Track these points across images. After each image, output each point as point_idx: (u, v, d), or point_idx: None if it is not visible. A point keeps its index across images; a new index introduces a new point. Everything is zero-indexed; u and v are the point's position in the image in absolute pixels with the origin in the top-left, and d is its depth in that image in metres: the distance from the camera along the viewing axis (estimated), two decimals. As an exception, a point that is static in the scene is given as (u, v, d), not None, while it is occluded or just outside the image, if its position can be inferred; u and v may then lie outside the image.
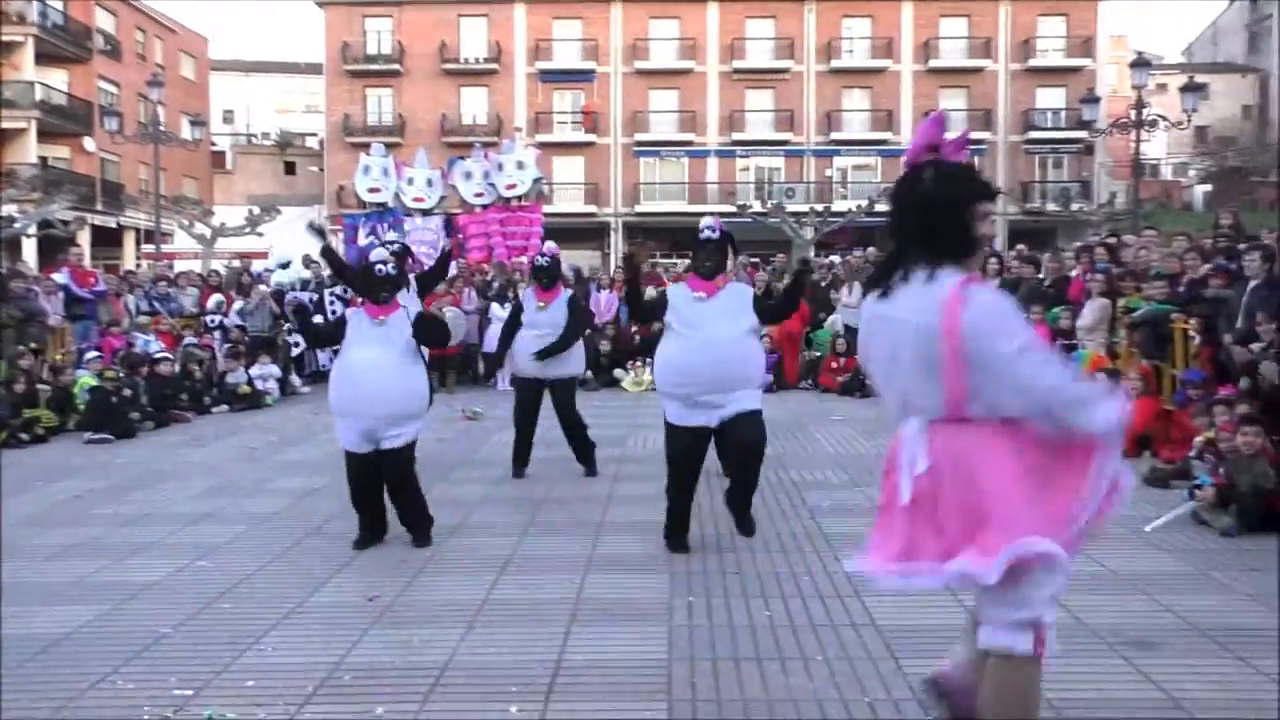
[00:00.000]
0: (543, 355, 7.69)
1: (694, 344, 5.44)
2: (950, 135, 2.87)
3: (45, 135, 35.64)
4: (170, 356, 12.31)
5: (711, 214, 7.45)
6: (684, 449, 5.61)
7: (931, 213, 2.78)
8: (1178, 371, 8.78)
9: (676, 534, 5.71)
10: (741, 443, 5.54)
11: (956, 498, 2.74)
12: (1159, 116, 23.57)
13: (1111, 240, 12.30)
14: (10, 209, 26.60)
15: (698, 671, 3.98)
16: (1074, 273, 11.34)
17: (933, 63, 41.12)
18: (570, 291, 8.26)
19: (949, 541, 2.76)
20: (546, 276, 7.95)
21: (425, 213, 16.47)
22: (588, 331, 9.46)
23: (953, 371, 2.69)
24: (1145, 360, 9.18)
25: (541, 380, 7.92)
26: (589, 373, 13.85)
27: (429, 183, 16.47)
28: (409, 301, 6.59)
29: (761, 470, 5.78)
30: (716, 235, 5.62)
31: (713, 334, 5.41)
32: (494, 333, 14.19)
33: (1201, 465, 6.80)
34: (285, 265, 15.76)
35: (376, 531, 5.98)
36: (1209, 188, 46.38)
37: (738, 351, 5.49)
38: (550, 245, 8.25)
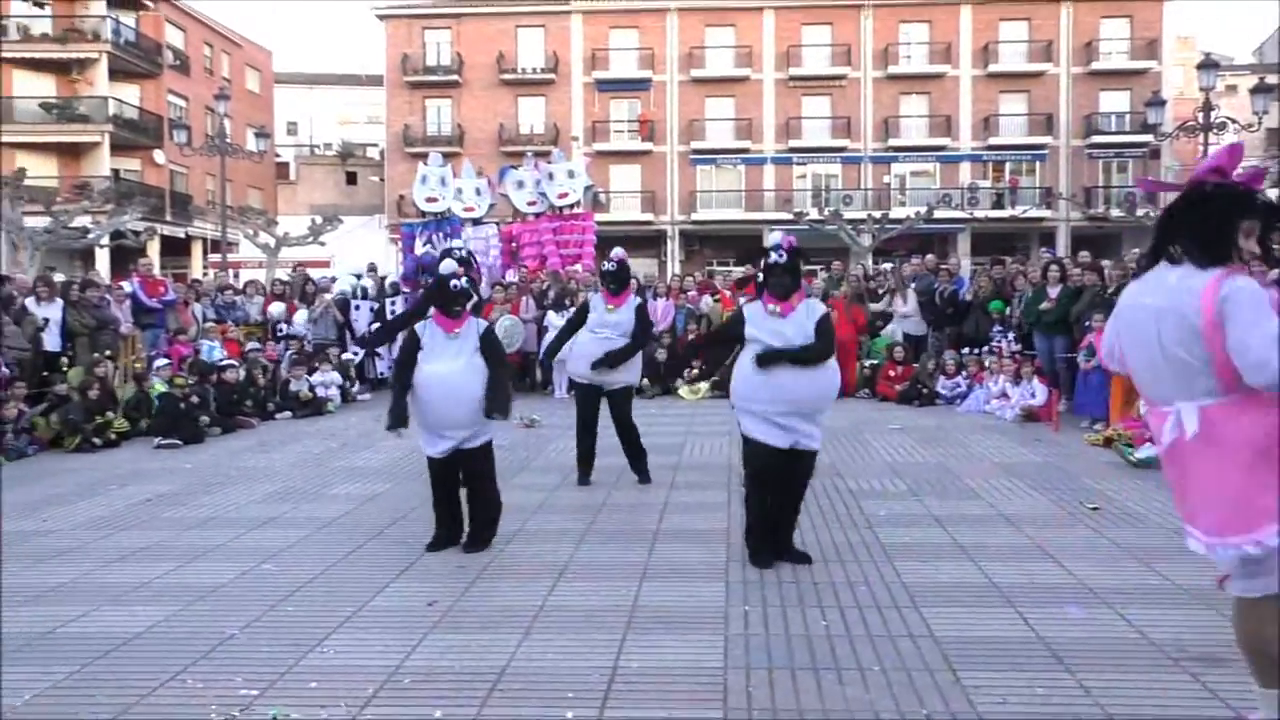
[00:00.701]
0: (611, 362, 7.68)
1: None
2: (1242, 168, 3.24)
3: (118, 148, 36.69)
4: (235, 364, 12.59)
5: (763, 225, 7.42)
6: (766, 464, 5.54)
7: (1203, 220, 3.13)
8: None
9: (760, 549, 5.62)
10: (797, 477, 5.68)
11: (1207, 476, 3.09)
12: (1228, 119, 23.01)
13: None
14: (85, 220, 27.37)
15: (754, 680, 3.97)
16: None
17: (992, 67, 40.61)
18: (640, 299, 8.26)
19: (1188, 512, 3.21)
20: (614, 281, 7.97)
21: (475, 222, 16.65)
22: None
23: (1216, 346, 2.99)
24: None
25: (598, 386, 7.95)
26: (645, 380, 13.89)
27: (477, 191, 16.65)
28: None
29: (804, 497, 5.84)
30: (785, 259, 5.56)
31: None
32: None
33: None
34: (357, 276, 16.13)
35: (453, 534, 6.07)
36: (1281, 191, 45.20)
37: (819, 373, 5.49)
38: (618, 250, 8.28)
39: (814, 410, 5.54)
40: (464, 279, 6.02)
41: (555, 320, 14.08)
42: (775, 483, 5.64)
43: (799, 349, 5.44)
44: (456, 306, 5.93)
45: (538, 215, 16.99)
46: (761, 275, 5.67)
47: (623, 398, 8.01)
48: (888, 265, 18.27)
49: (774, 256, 5.58)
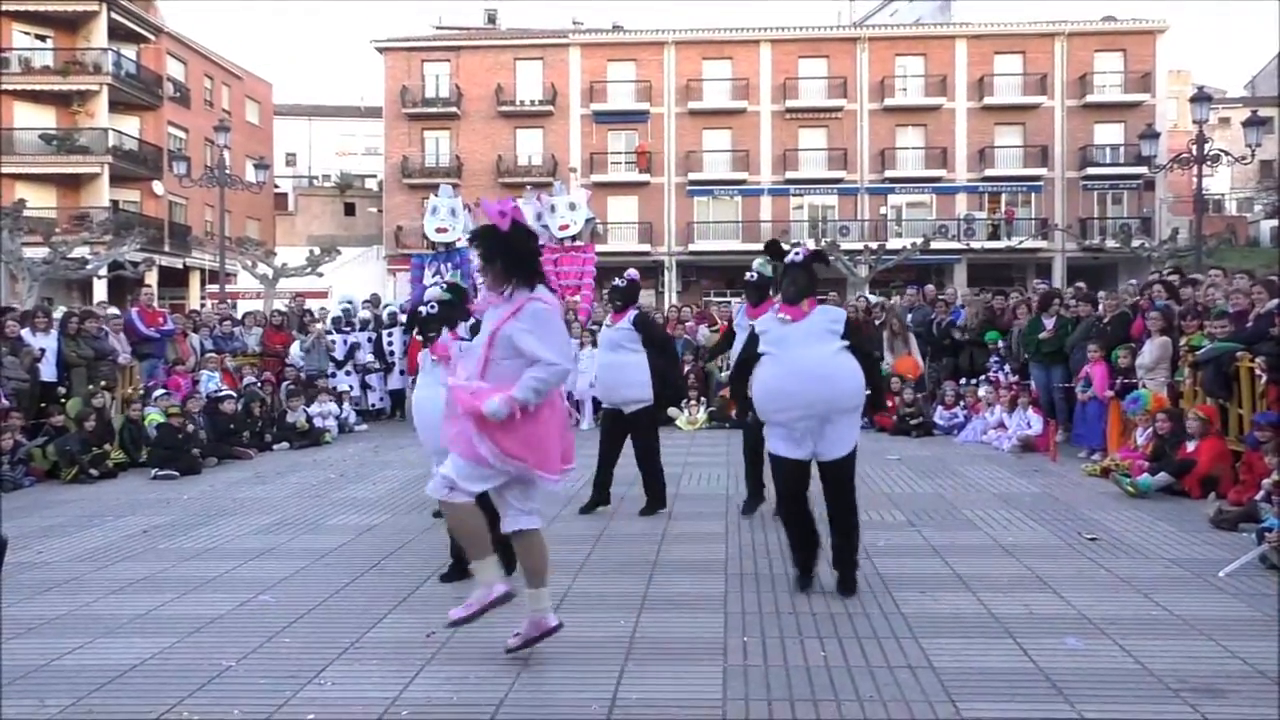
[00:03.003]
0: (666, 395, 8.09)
1: (784, 368, 5.42)
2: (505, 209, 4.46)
3: (117, 179, 36.84)
4: (233, 394, 12.59)
5: (760, 255, 7.47)
6: (787, 476, 5.59)
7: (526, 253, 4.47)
8: (1244, 411, 8.59)
9: (801, 569, 5.68)
10: (835, 499, 5.63)
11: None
12: (1221, 151, 23.21)
13: (1174, 277, 12.09)
14: (83, 251, 27.43)
15: (753, 711, 3.96)
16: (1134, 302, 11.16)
17: (987, 100, 40.95)
18: (637, 310, 8.25)
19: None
20: (620, 297, 8.05)
21: (448, 246, 16.49)
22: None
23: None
24: (1210, 400, 9.00)
25: (617, 409, 7.99)
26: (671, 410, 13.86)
27: (452, 212, 16.57)
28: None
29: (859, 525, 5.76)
30: (800, 258, 5.63)
31: (800, 355, 5.39)
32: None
33: (1269, 507, 6.64)
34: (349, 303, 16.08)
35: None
36: (1275, 223, 45.44)
37: (828, 371, 5.38)
38: (631, 271, 8.37)
39: (833, 412, 5.39)
40: (432, 306, 6.03)
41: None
42: (802, 500, 5.60)
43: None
44: (430, 332, 5.99)
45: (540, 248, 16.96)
46: (781, 278, 5.69)
47: (646, 423, 8.02)
48: (882, 299, 18.18)
49: (792, 255, 5.62)
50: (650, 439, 8.05)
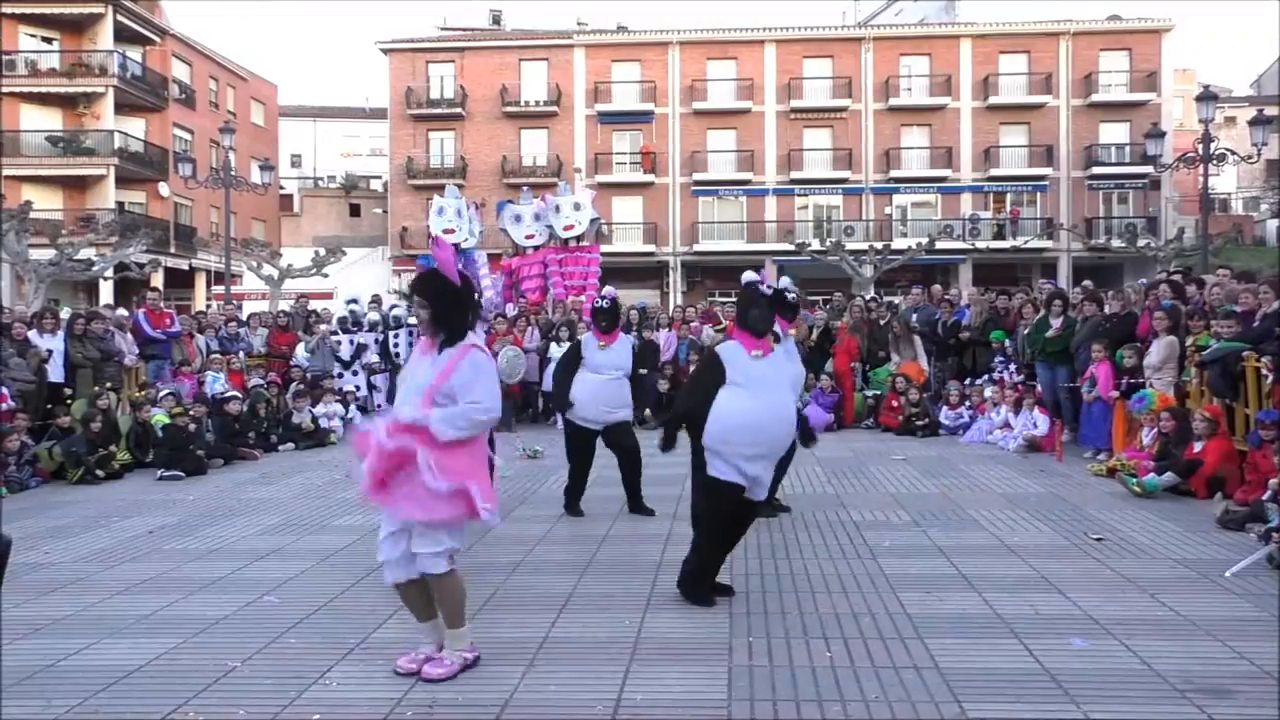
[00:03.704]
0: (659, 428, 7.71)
1: (761, 404, 5.26)
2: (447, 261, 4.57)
3: (123, 181, 36.90)
4: (239, 395, 12.60)
5: (764, 255, 7.45)
6: (731, 500, 5.38)
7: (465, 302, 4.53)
8: (1251, 411, 8.57)
9: (708, 586, 5.54)
10: (739, 531, 5.69)
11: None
12: (1227, 150, 23.15)
13: (1177, 276, 12.06)
14: (89, 253, 27.49)
15: (758, 712, 3.96)
16: (1139, 309, 11.14)
17: (992, 99, 40.87)
18: (632, 337, 8.28)
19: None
20: (606, 319, 7.99)
21: (456, 247, 16.48)
22: (643, 371, 9.34)
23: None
24: (1217, 400, 8.97)
25: (598, 426, 7.96)
26: (647, 411, 13.90)
27: (458, 213, 16.60)
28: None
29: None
30: (770, 292, 5.56)
31: (774, 396, 5.33)
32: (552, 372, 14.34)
33: (1275, 507, 6.62)
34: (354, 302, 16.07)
35: None
36: (1281, 222, 45.31)
37: (792, 417, 5.54)
38: (609, 289, 8.31)
39: (780, 451, 5.54)
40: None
41: (556, 352, 14.10)
42: (737, 526, 5.58)
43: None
44: None
45: (536, 248, 17.01)
46: (740, 309, 5.60)
47: (624, 430, 8.03)
48: (890, 300, 18.18)
49: (762, 289, 5.53)
50: (634, 436, 8.07)
